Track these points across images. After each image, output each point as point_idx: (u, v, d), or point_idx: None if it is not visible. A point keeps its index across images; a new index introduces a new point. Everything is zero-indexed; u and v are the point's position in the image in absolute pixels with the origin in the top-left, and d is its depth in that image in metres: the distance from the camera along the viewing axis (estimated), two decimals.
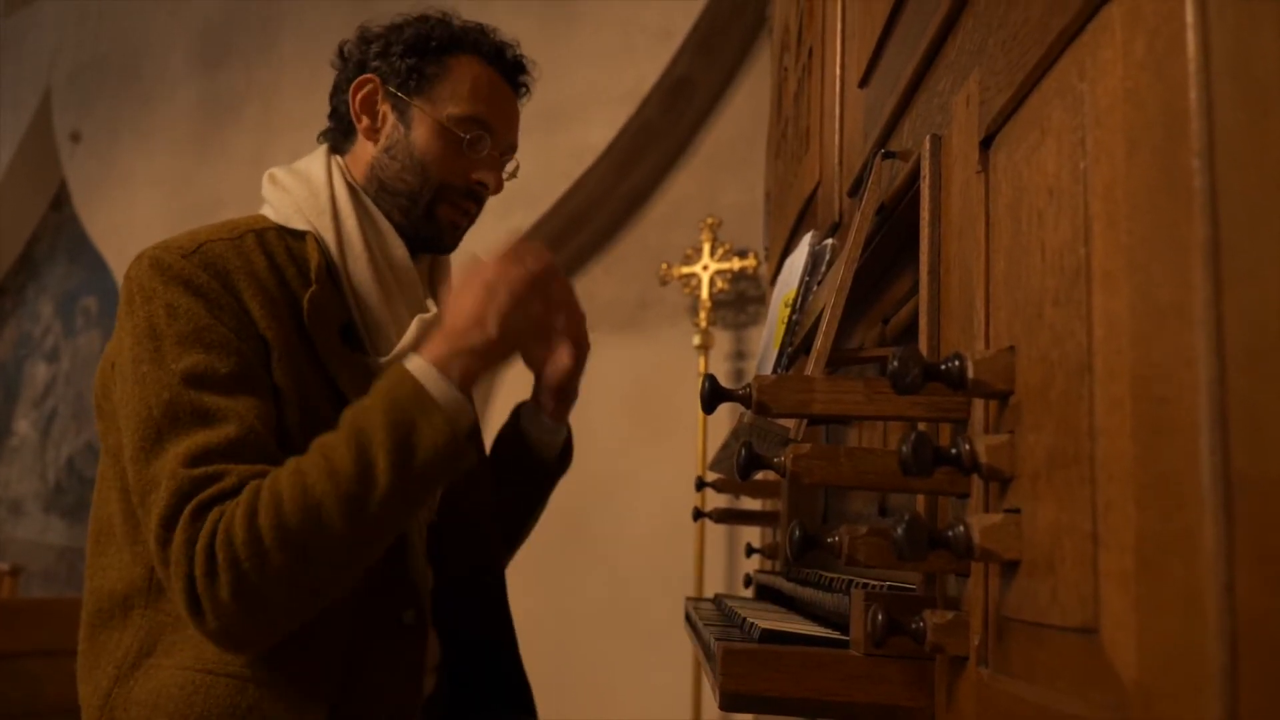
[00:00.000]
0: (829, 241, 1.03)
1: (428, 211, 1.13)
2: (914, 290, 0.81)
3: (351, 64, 1.17)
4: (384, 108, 1.14)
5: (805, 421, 0.86)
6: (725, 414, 2.67)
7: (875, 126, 0.98)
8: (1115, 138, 0.44)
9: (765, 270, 2.40)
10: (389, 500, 0.90)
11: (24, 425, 5.41)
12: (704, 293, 3.03)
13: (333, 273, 1.08)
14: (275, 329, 1.00)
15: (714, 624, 1.00)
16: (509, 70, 1.19)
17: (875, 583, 0.83)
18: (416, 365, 0.95)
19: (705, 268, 3.06)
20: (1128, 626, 0.40)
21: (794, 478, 0.62)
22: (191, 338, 0.96)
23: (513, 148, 1.20)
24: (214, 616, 0.89)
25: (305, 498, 0.89)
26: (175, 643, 0.98)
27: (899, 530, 0.52)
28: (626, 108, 3.20)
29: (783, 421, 0.93)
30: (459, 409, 0.95)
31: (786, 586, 1.17)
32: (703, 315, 3.01)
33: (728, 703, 0.71)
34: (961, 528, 0.53)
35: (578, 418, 1.36)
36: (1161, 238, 0.40)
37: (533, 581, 1.67)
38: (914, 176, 0.77)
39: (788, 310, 1.03)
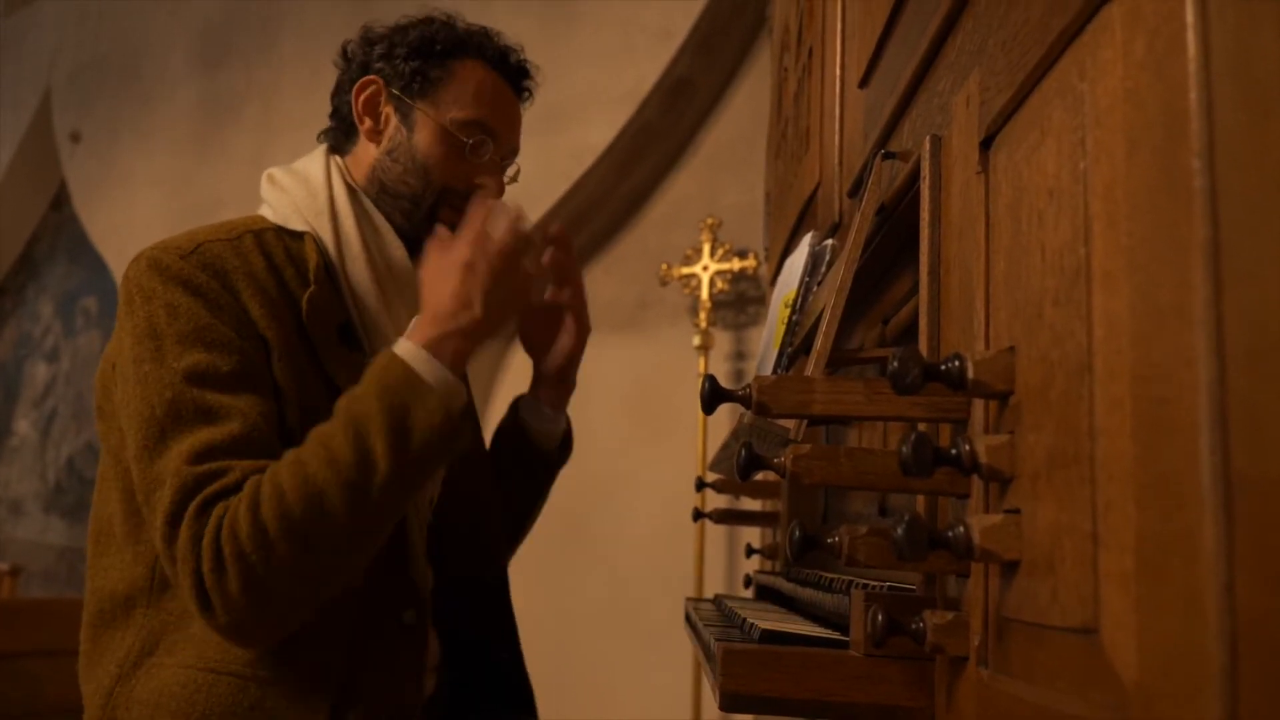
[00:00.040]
0: (829, 242, 1.03)
1: (429, 215, 1.13)
2: (914, 291, 0.81)
3: (355, 64, 1.17)
4: (387, 110, 1.14)
5: (805, 422, 0.86)
6: (725, 414, 2.67)
7: (875, 127, 0.98)
8: (1115, 138, 0.44)
9: (765, 271, 2.40)
10: (389, 484, 0.91)
11: (24, 425, 5.41)
12: (704, 293, 3.04)
13: (331, 273, 1.08)
14: (275, 328, 1.00)
15: (714, 624, 1.00)
16: (512, 75, 1.19)
17: (875, 583, 0.83)
18: (406, 349, 0.96)
19: (705, 268, 3.06)
20: (1128, 627, 0.40)
21: (794, 478, 0.62)
22: (193, 337, 0.96)
23: (514, 151, 1.20)
24: (224, 611, 0.90)
25: (307, 487, 0.89)
26: (177, 641, 0.98)
27: (899, 530, 0.52)
28: (626, 108, 3.20)
29: (783, 422, 0.93)
30: (452, 390, 0.95)
31: (786, 587, 1.17)
32: (703, 316, 3.01)
33: (728, 703, 0.71)
34: (961, 528, 0.53)
35: (578, 418, 1.37)
36: (1161, 238, 0.40)
37: (533, 582, 1.67)
38: (914, 177, 0.77)
39: (788, 311, 1.03)
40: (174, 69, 4.78)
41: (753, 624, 0.81)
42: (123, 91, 4.97)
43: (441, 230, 1.05)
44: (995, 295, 0.59)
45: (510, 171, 1.20)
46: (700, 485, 1.80)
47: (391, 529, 0.97)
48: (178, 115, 4.69)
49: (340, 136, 1.18)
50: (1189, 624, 0.36)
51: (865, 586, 0.80)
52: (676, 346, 3.18)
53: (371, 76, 1.14)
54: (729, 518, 1.74)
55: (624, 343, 3.25)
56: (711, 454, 2.43)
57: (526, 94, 1.22)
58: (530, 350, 1.28)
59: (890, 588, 0.78)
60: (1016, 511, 0.53)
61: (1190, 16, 0.38)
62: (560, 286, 1.22)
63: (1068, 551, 0.46)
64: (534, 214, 3.23)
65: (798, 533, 0.63)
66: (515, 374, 3.50)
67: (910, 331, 0.88)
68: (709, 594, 2.61)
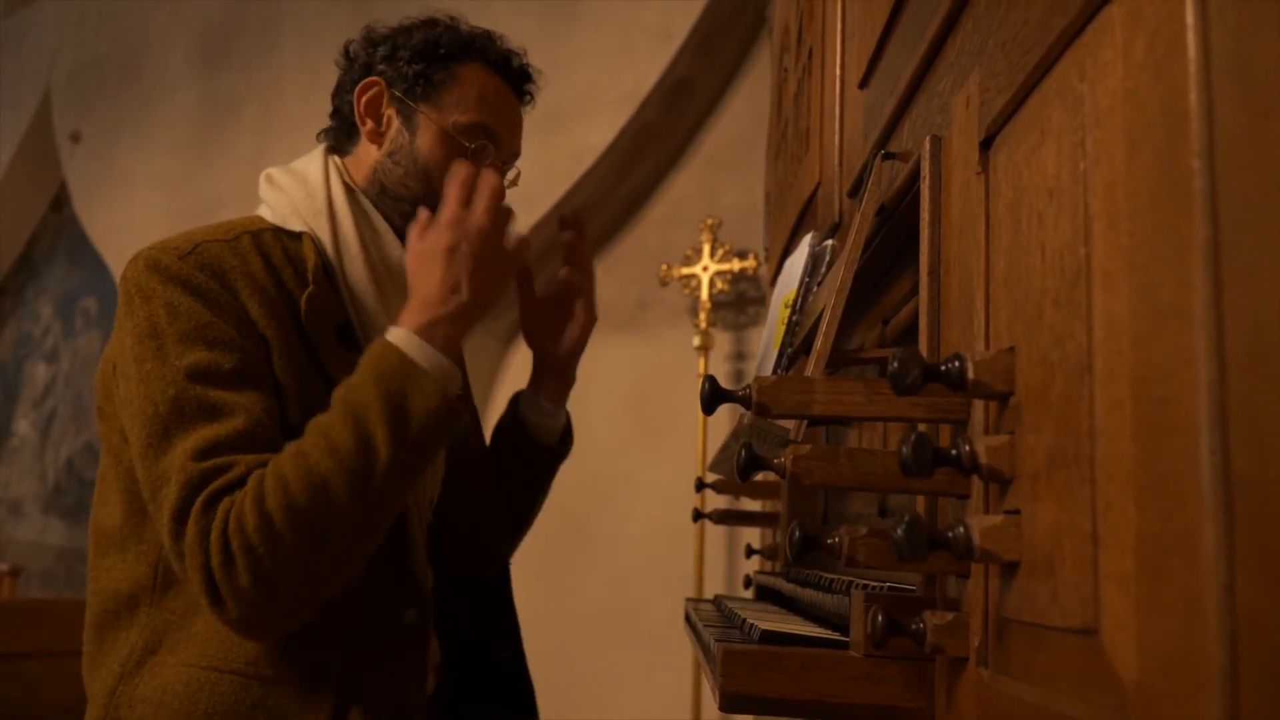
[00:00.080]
0: (829, 242, 1.03)
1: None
2: (914, 291, 0.81)
3: (357, 65, 1.17)
4: (388, 112, 1.14)
5: (805, 422, 0.86)
6: (725, 415, 2.67)
7: (875, 127, 0.98)
8: (1115, 139, 0.44)
9: (765, 271, 2.40)
10: (391, 470, 0.92)
11: (23, 426, 5.41)
12: (704, 293, 3.04)
13: (329, 273, 1.08)
14: (274, 327, 1.00)
15: (714, 625, 1.00)
16: (515, 78, 1.19)
17: (875, 584, 0.83)
18: (398, 336, 0.97)
19: (705, 268, 3.06)
20: (1128, 627, 0.40)
21: (794, 479, 0.62)
22: (194, 335, 0.96)
23: (515, 155, 1.20)
24: (235, 604, 0.90)
25: (310, 477, 0.90)
26: (180, 640, 0.98)
27: (899, 531, 0.52)
28: (626, 108, 3.21)
29: (783, 422, 0.93)
30: (447, 373, 0.96)
31: (786, 587, 1.17)
32: (702, 316, 3.01)
33: (727, 704, 0.71)
34: (961, 529, 0.53)
35: (577, 418, 1.37)
36: (1162, 239, 0.40)
37: (533, 582, 1.66)
38: (914, 177, 0.77)
39: (788, 311, 1.03)
40: (174, 70, 4.78)
41: (752, 624, 0.81)
42: (123, 92, 4.97)
43: (422, 213, 1.05)
44: (995, 296, 0.59)
45: (510, 175, 1.20)
46: (700, 486, 1.80)
47: (394, 517, 0.98)
48: (178, 116, 4.69)
49: (341, 137, 1.18)
50: (1189, 625, 0.36)
51: (865, 587, 0.80)
52: (676, 347, 3.18)
53: (374, 78, 1.14)
54: (729, 518, 1.74)
55: (624, 343, 3.25)
56: (711, 454, 2.43)
57: (528, 98, 1.22)
58: (533, 342, 1.29)
59: (890, 588, 0.78)
60: (1016, 512, 0.53)
61: (1190, 17, 0.38)
62: (571, 269, 1.25)
63: (1068, 552, 0.46)
64: (534, 214, 3.25)
65: (798, 533, 0.63)
66: (515, 373, 3.50)
67: (910, 332, 0.88)
68: (709, 594, 2.61)
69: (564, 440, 1.33)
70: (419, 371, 0.94)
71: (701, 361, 3.00)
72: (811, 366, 0.80)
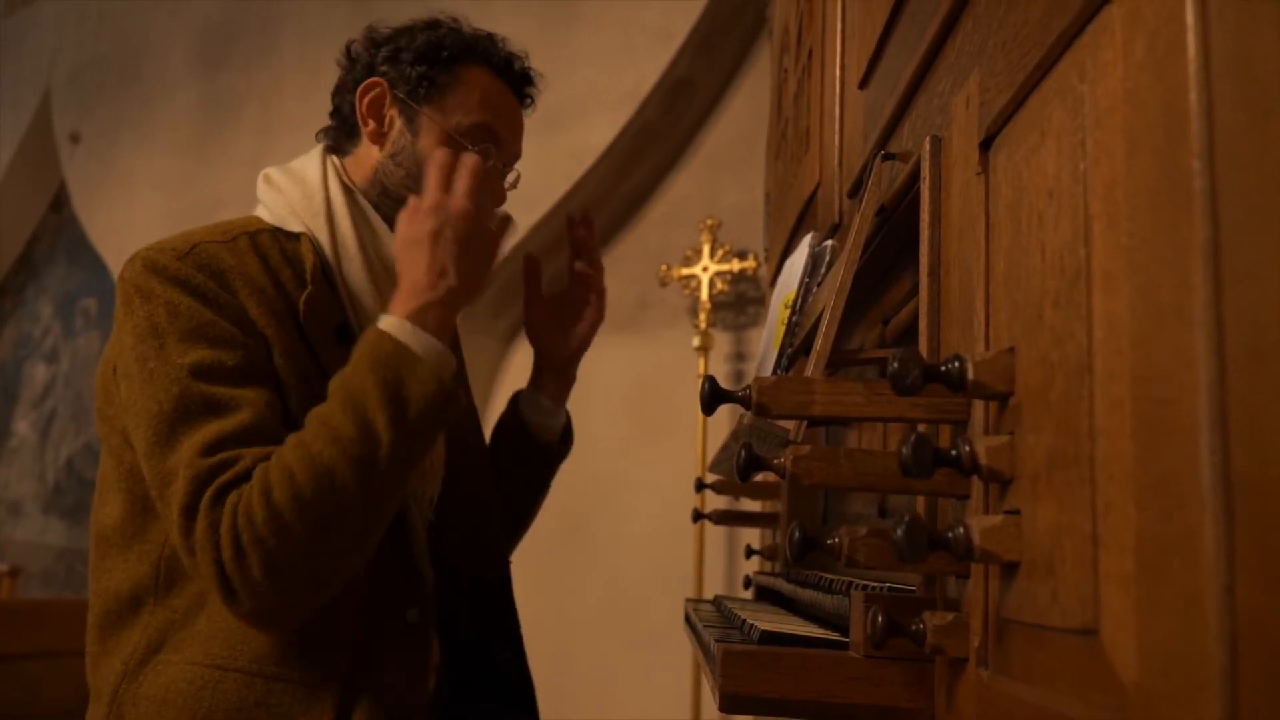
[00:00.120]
0: (829, 243, 1.03)
1: None
2: (914, 292, 0.81)
3: (359, 65, 1.17)
4: (391, 113, 1.14)
5: (805, 423, 0.86)
6: (725, 415, 2.67)
7: (875, 128, 0.98)
8: (1115, 139, 0.44)
9: (765, 271, 2.40)
10: (393, 455, 0.92)
11: (23, 426, 5.41)
12: (704, 294, 3.04)
13: (328, 274, 1.08)
14: (274, 327, 1.00)
15: (713, 625, 1.00)
16: (517, 81, 1.19)
17: (875, 584, 0.83)
18: (390, 324, 0.97)
19: (705, 269, 3.06)
20: (1128, 628, 0.40)
21: (794, 479, 0.62)
22: (195, 333, 0.97)
23: (516, 156, 1.21)
24: (248, 597, 0.91)
25: (315, 467, 0.90)
26: (183, 639, 0.99)
27: (899, 532, 0.52)
28: (626, 109, 3.20)
29: (782, 423, 0.93)
30: (441, 357, 0.97)
31: (786, 588, 1.17)
32: (702, 316, 3.01)
33: (727, 704, 0.71)
34: (961, 529, 0.53)
35: (577, 418, 1.37)
36: (1162, 239, 0.40)
37: (532, 582, 1.66)
38: (914, 178, 0.77)
39: (787, 311, 1.03)
40: (174, 70, 4.78)
41: (752, 625, 0.81)
42: (123, 92, 4.97)
43: (410, 200, 1.05)
44: (995, 296, 0.59)
45: (510, 178, 1.21)
46: (700, 486, 1.79)
47: (397, 510, 0.99)
48: (178, 116, 4.69)
49: (341, 137, 1.18)
50: (1189, 625, 0.36)
51: (865, 587, 0.80)
52: (676, 347, 3.17)
53: (376, 79, 1.14)
54: (729, 519, 1.74)
55: (624, 343, 3.25)
56: (711, 455, 2.43)
57: (529, 100, 1.23)
58: (537, 339, 1.30)
59: (890, 589, 0.78)
60: (1016, 512, 0.53)
61: (1190, 17, 0.38)
62: (583, 265, 1.28)
63: (1068, 552, 0.46)
64: (534, 214, 3.25)
65: (797, 534, 0.63)
66: (515, 373, 3.50)
67: (910, 332, 0.88)
68: (709, 595, 2.61)
69: (564, 440, 1.34)
70: (413, 357, 0.95)
71: (701, 362, 3.00)
72: (811, 367, 0.80)
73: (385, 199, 1.13)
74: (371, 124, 1.14)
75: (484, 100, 1.15)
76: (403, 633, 1.04)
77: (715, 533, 2.77)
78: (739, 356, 3.16)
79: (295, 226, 1.09)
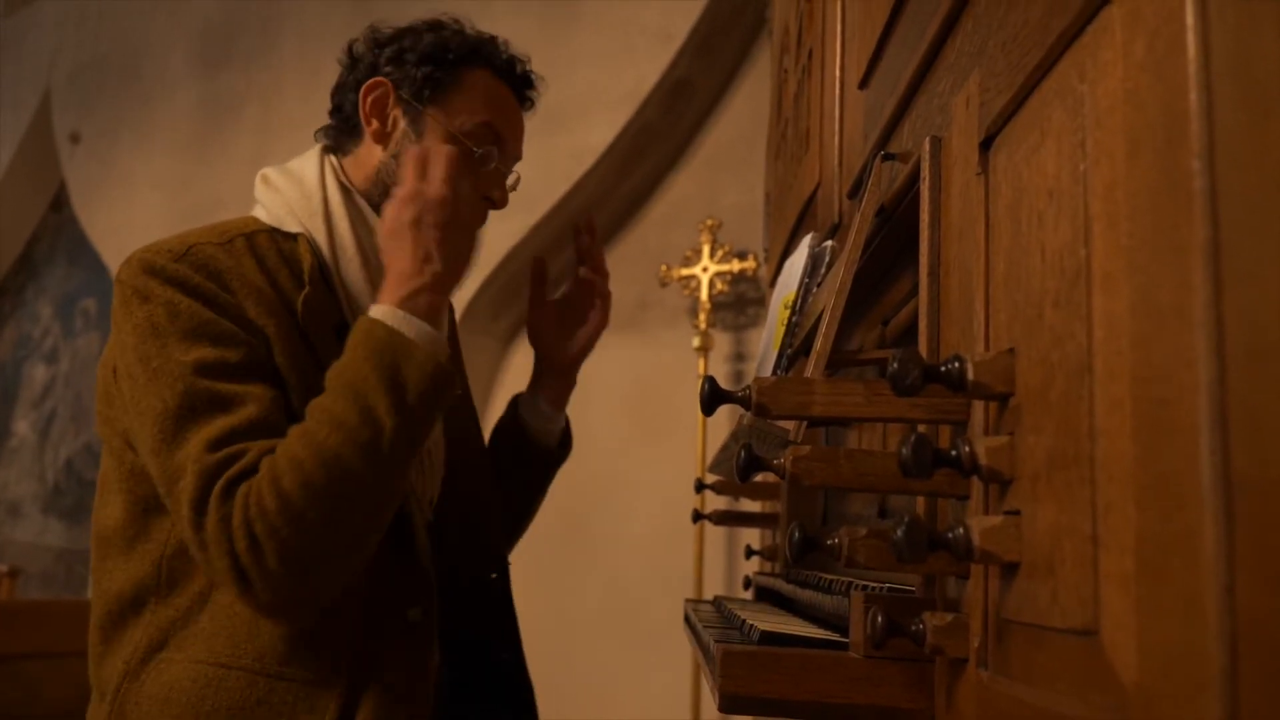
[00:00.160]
0: (828, 243, 1.03)
1: None
2: (914, 292, 0.81)
3: (362, 65, 1.17)
4: (394, 113, 1.14)
5: (805, 423, 0.86)
6: (725, 416, 2.67)
7: (875, 128, 0.98)
8: (1115, 139, 0.44)
9: (765, 272, 2.40)
10: (396, 439, 0.93)
11: (23, 427, 5.41)
12: (703, 294, 3.04)
13: (325, 274, 1.08)
14: (274, 326, 1.01)
15: (713, 626, 1.00)
16: (518, 84, 1.20)
17: (875, 585, 0.83)
18: (382, 311, 0.98)
19: (705, 269, 3.06)
20: (1128, 628, 0.40)
21: (794, 480, 0.62)
22: (197, 332, 0.97)
23: (517, 158, 1.22)
24: (264, 588, 0.91)
25: (322, 453, 0.91)
26: (186, 637, 0.99)
27: (899, 532, 0.52)
28: (626, 109, 3.21)
29: (782, 423, 0.93)
30: (434, 341, 0.98)
31: (786, 588, 1.17)
32: (702, 317, 3.01)
33: (727, 704, 0.71)
34: (961, 529, 0.53)
35: (577, 418, 1.37)
36: (1162, 239, 0.40)
37: (532, 583, 1.67)
38: (914, 178, 0.77)
39: (787, 312, 1.03)
40: (174, 70, 4.78)
41: (752, 625, 0.81)
42: (123, 92, 4.97)
43: (394, 191, 1.07)
44: (995, 297, 0.59)
45: (510, 180, 1.21)
46: (700, 487, 1.79)
47: (403, 490, 1.00)
48: (178, 116, 4.69)
49: (342, 136, 1.18)
50: (1189, 625, 0.36)
51: (865, 588, 0.80)
52: (676, 348, 3.18)
53: (380, 79, 1.14)
54: (728, 519, 1.74)
55: (624, 343, 3.25)
56: (711, 455, 2.43)
57: (529, 104, 1.23)
58: (539, 342, 1.30)
59: (890, 589, 0.78)
60: (1016, 513, 0.53)
61: (1190, 18, 0.38)
62: (589, 270, 1.28)
63: (1068, 553, 0.46)
64: (534, 214, 3.25)
65: (797, 534, 0.63)
66: (515, 373, 3.50)
67: (910, 333, 0.88)
68: (708, 595, 2.61)
69: (563, 444, 1.34)
70: (408, 342, 0.96)
71: (701, 362, 3.00)
72: (811, 367, 0.80)
73: (388, 199, 1.14)
74: (375, 124, 1.14)
75: (488, 102, 1.16)
76: (404, 632, 1.04)
77: (715, 533, 2.77)
78: (739, 357, 3.16)
79: (293, 227, 1.10)
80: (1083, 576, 0.44)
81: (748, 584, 1.63)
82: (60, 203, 5.41)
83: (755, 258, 2.99)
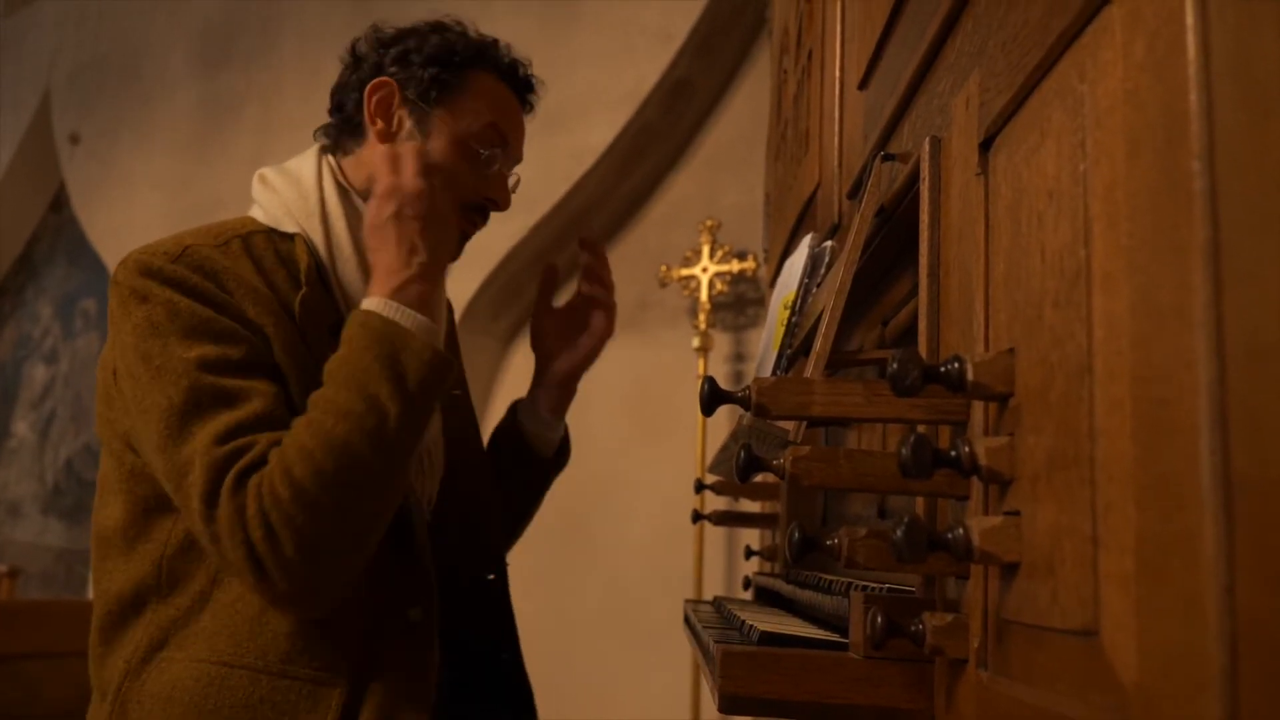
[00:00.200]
0: (828, 244, 1.03)
1: None
2: (913, 292, 0.81)
3: (367, 65, 1.17)
4: (400, 113, 1.14)
5: (804, 424, 0.86)
6: (724, 416, 2.67)
7: (875, 128, 0.98)
8: (1115, 139, 0.44)
9: (764, 272, 2.40)
10: (401, 425, 0.95)
11: (22, 427, 5.41)
12: (703, 295, 3.04)
13: (322, 274, 1.09)
14: (271, 324, 1.01)
15: (713, 626, 1.00)
16: (520, 88, 1.21)
17: (874, 585, 0.83)
18: (375, 303, 1.00)
19: (704, 270, 3.06)
20: (1128, 628, 0.40)
21: (793, 480, 0.62)
22: (198, 330, 0.97)
23: (518, 160, 1.22)
24: (281, 576, 0.91)
25: (330, 441, 0.92)
26: (187, 636, 0.99)
27: (898, 532, 0.52)
28: (626, 109, 3.21)
29: (782, 424, 0.93)
30: (429, 329, 1.00)
31: (786, 589, 1.17)
32: (702, 317, 3.01)
33: (727, 705, 0.71)
34: (961, 530, 0.53)
35: (577, 419, 1.37)
36: (1162, 239, 0.40)
37: (532, 583, 1.67)
38: (913, 179, 0.77)
39: (787, 312, 1.03)
40: (174, 70, 4.78)
41: (751, 626, 0.81)
42: (122, 92, 4.97)
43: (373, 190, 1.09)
44: (995, 297, 0.59)
45: (511, 181, 1.21)
46: (699, 487, 1.79)
47: (408, 477, 1.01)
48: (178, 116, 4.69)
49: (343, 136, 1.18)
50: (1189, 625, 0.36)
51: (864, 588, 0.80)
52: (676, 348, 3.17)
53: (385, 79, 1.14)
54: (728, 519, 1.74)
55: (624, 344, 3.24)
56: (711, 456, 2.43)
57: (529, 107, 1.25)
58: (541, 348, 1.30)
59: (889, 590, 0.78)
60: (1016, 513, 0.53)
61: (1190, 18, 0.38)
62: (592, 285, 1.29)
63: (1067, 553, 0.46)
64: (534, 215, 3.25)
65: (797, 535, 0.63)
66: (515, 373, 3.50)
67: (910, 333, 0.88)
68: (708, 596, 2.61)
69: (560, 453, 1.34)
70: (404, 331, 0.98)
71: (701, 363, 3.00)
72: (811, 368, 0.80)
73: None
74: (380, 124, 1.14)
75: (493, 105, 1.17)
76: (405, 631, 1.04)
77: (715, 533, 2.77)
78: (738, 357, 3.16)
79: (290, 227, 1.10)
80: (1083, 577, 0.44)
81: (747, 584, 1.63)
82: (60, 203, 5.41)
83: (755, 258, 2.99)
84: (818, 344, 0.81)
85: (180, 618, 1.00)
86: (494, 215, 1.22)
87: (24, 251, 5.67)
